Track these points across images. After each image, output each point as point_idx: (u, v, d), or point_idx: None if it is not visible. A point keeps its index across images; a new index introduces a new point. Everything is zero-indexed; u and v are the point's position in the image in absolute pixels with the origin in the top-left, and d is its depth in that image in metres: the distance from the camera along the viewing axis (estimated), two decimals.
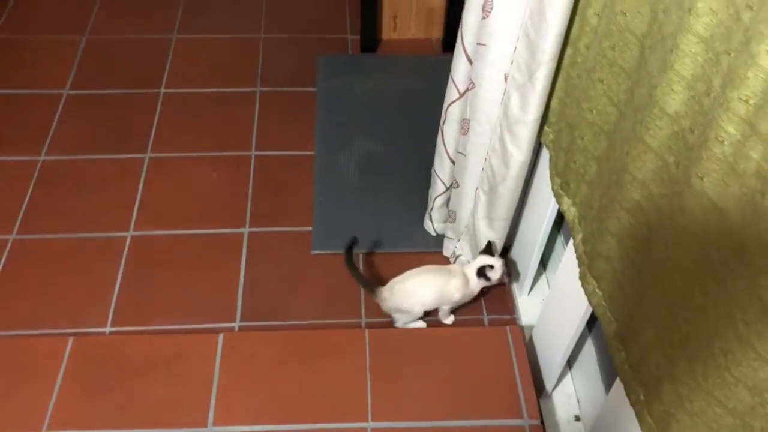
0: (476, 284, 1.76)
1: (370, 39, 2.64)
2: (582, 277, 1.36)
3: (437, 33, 2.72)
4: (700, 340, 0.96)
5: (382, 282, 1.83)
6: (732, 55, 0.85)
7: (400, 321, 1.81)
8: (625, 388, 1.23)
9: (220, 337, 1.58)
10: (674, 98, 0.98)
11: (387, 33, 2.70)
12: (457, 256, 1.95)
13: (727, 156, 0.86)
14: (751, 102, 0.80)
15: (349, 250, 1.83)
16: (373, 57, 2.66)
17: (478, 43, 1.52)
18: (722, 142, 0.86)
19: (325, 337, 1.62)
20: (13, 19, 2.73)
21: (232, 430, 1.44)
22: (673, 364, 1.05)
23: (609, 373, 1.57)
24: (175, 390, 1.50)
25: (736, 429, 0.93)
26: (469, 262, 1.81)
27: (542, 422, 1.52)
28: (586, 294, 1.35)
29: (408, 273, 1.81)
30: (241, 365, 1.54)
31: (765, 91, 0.78)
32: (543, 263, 1.95)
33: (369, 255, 2.01)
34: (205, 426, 1.44)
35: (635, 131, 1.09)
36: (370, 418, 1.46)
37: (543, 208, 1.68)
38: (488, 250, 1.75)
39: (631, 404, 1.21)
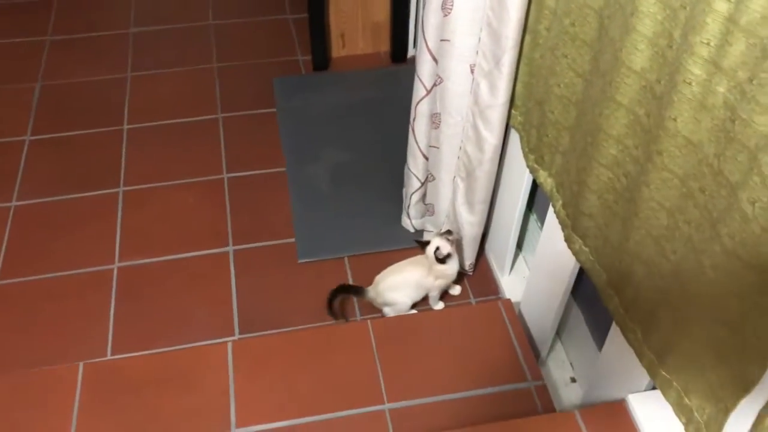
0: (445, 267, 1.85)
1: (322, 58, 2.74)
2: (567, 239, 1.48)
3: (384, 46, 2.84)
4: (690, 264, 1.08)
5: (370, 282, 1.93)
6: (687, 8, 0.98)
7: (391, 314, 1.90)
8: (622, 331, 1.34)
9: (229, 345, 1.63)
10: (639, 56, 1.11)
11: (336, 51, 2.81)
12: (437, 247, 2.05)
13: (696, 95, 0.99)
14: (712, 44, 0.93)
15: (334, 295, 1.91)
16: (326, 74, 2.76)
17: (441, 40, 1.64)
18: (690, 84, 0.99)
19: (331, 333, 1.68)
20: None
21: (256, 429, 1.48)
22: (666, 294, 1.17)
23: (598, 333, 1.68)
24: (194, 400, 1.54)
25: (729, 338, 1.05)
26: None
27: None
28: (573, 253, 1.47)
29: (388, 269, 1.91)
30: (254, 368, 1.59)
31: (722, 32, 0.91)
32: (519, 244, 2.06)
33: (353, 257, 2.08)
34: (230, 429, 1.48)
35: (605, 93, 1.21)
36: (386, 400, 1.53)
37: (516, 188, 1.80)
38: (424, 244, 1.85)
39: (630, 344, 1.32)
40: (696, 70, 0.97)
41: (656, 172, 1.12)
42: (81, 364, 1.60)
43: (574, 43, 1.32)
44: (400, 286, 1.88)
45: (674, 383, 1.21)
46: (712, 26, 0.92)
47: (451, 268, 1.88)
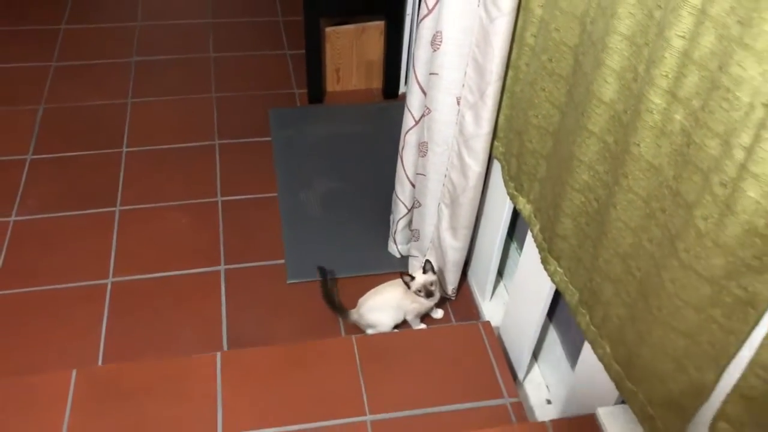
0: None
1: (317, 91, 2.86)
2: (543, 261, 1.57)
3: (377, 83, 2.97)
4: (653, 279, 1.17)
5: (354, 303, 2.01)
6: (650, 45, 1.09)
7: (368, 330, 1.98)
8: (593, 347, 1.42)
9: (218, 355, 1.69)
10: (608, 88, 1.22)
11: (331, 85, 2.93)
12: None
13: (657, 122, 1.09)
14: (670, 76, 1.04)
15: (324, 282, 1.98)
16: (320, 107, 2.87)
17: (430, 74, 1.75)
18: (651, 112, 1.09)
19: (316, 347, 1.75)
20: None
21: None
22: (631, 308, 1.26)
23: (573, 355, 1.76)
24: (183, 408, 1.59)
25: (687, 348, 1.13)
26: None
27: None
28: (549, 274, 1.55)
29: (370, 292, 1.99)
30: (241, 378, 1.65)
31: (678, 65, 1.02)
32: (500, 272, 2.15)
33: (340, 280, 2.16)
34: None
35: (578, 122, 1.32)
36: (367, 412, 1.59)
37: (498, 215, 1.89)
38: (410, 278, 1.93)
39: (600, 359, 1.40)
40: (657, 99, 1.08)
41: (622, 194, 1.21)
42: (74, 371, 1.65)
43: (551, 77, 1.43)
44: (381, 307, 1.95)
45: (639, 394, 1.28)
46: (670, 60, 1.03)
47: (426, 300, 1.95)
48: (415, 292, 1.88)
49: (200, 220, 2.34)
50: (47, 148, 2.59)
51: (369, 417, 1.58)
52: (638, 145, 1.14)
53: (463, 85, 1.69)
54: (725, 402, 1.06)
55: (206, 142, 2.65)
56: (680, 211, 1.07)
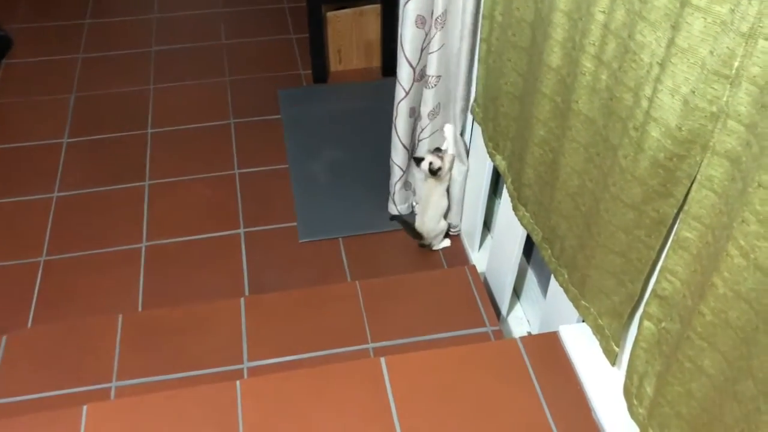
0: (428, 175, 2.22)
1: (321, 71, 3.12)
2: (514, 208, 1.83)
3: (376, 62, 3.22)
4: (593, 212, 1.43)
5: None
6: (583, 19, 1.35)
7: (437, 240, 2.36)
8: (555, 275, 1.69)
9: (242, 300, 1.97)
10: (554, 57, 1.47)
11: (334, 65, 3.19)
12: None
13: (589, 82, 1.35)
14: (596, 44, 1.30)
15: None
16: (324, 86, 3.14)
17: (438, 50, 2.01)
18: (585, 74, 1.35)
19: (326, 291, 2.03)
20: (6, 85, 3.11)
21: (263, 362, 1.82)
22: (580, 238, 1.52)
23: (545, 289, 2.03)
24: (214, 342, 1.88)
25: (623, 265, 1.39)
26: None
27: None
28: (519, 218, 1.82)
29: (420, 211, 2.32)
30: (262, 317, 1.93)
31: (602, 36, 1.27)
32: (489, 228, 2.42)
33: (346, 238, 2.44)
34: (242, 363, 1.82)
35: (535, 87, 1.57)
36: (370, 340, 1.87)
37: (481, 173, 2.15)
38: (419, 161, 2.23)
39: (560, 285, 1.67)
40: (588, 63, 1.33)
41: (568, 143, 1.47)
42: (120, 315, 1.95)
43: (515, 49, 1.69)
44: (436, 209, 2.28)
45: (591, 309, 1.55)
46: (596, 31, 1.29)
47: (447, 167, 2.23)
48: (429, 169, 2.17)
49: (220, 190, 2.63)
50: (80, 132, 2.88)
51: (371, 345, 1.87)
52: (577, 102, 1.40)
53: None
54: (646, 303, 1.33)
55: (222, 122, 2.93)
56: (609, 153, 1.33)
